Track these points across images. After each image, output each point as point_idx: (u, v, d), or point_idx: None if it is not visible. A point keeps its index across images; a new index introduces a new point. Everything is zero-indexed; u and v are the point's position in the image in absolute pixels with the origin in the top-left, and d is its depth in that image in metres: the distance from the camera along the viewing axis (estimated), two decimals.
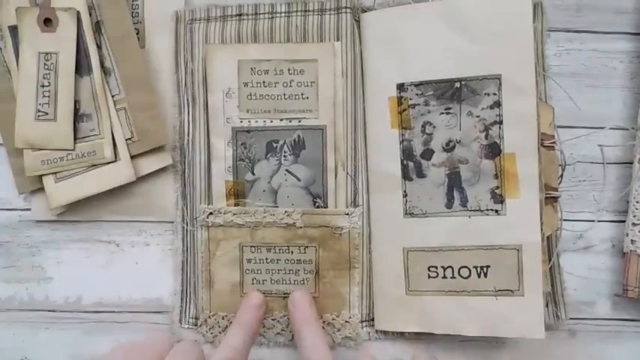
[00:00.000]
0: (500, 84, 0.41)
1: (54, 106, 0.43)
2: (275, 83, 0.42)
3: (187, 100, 0.44)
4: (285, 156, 0.43)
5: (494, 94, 0.41)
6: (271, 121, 0.43)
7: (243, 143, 0.43)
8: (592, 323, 0.44)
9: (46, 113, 0.43)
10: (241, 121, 0.43)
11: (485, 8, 0.40)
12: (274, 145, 0.43)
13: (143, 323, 0.45)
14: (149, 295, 0.45)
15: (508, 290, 0.41)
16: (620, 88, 0.45)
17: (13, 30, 0.43)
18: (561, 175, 0.44)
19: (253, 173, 0.43)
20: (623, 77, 0.45)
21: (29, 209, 0.45)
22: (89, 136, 0.44)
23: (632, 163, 0.43)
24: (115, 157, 0.43)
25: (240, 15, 0.44)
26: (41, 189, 0.44)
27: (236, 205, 0.43)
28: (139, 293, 0.45)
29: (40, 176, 0.44)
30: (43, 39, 0.42)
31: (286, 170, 0.43)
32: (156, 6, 0.45)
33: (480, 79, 0.41)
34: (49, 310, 0.45)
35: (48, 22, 0.42)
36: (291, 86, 0.42)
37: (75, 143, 0.43)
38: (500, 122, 0.41)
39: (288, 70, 0.42)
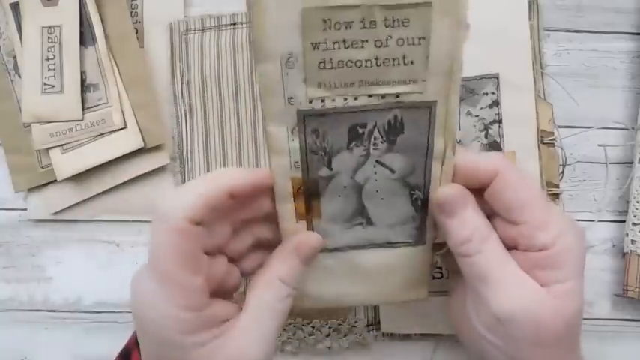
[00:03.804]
0: (498, 83, 0.41)
1: (60, 78, 0.42)
2: (362, 42, 0.28)
3: (184, 110, 0.44)
4: (375, 144, 0.31)
5: (493, 93, 0.41)
6: (356, 99, 0.29)
7: (315, 130, 0.30)
8: (592, 323, 0.44)
9: (53, 86, 0.42)
10: (311, 101, 0.29)
11: (481, 7, 0.40)
12: (360, 130, 0.30)
13: None
14: None
15: None
16: (620, 88, 0.44)
17: (15, 7, 0.43)
18: (562, 172, 0.44)
19: (330, 168, 0.31)
20: (623, 77, 0.45)
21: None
22: (97, 105, 0.43)
23: (632, 163, 0.43)
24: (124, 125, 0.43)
25: (234, 24, 0.44)
26: (38, 187, 0.44)
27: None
28: None
29: (37, 174, 0.44)
30: (45, 13, 0.42)
31: (376, 161, 0.31)
32: (155, 6, 0.45)
33: (477, 79, 0.41)
34: (49, 310, 0.45)
35: None
36: (387, 46, 0.28)
37: (83, 113, 0.43)
38: (500, 121, 0.41)
39: (385, 20, 0.27)
